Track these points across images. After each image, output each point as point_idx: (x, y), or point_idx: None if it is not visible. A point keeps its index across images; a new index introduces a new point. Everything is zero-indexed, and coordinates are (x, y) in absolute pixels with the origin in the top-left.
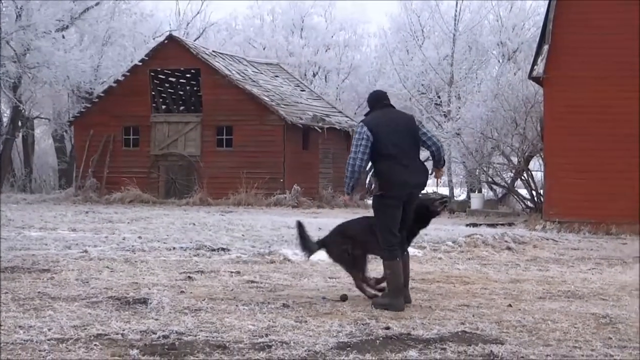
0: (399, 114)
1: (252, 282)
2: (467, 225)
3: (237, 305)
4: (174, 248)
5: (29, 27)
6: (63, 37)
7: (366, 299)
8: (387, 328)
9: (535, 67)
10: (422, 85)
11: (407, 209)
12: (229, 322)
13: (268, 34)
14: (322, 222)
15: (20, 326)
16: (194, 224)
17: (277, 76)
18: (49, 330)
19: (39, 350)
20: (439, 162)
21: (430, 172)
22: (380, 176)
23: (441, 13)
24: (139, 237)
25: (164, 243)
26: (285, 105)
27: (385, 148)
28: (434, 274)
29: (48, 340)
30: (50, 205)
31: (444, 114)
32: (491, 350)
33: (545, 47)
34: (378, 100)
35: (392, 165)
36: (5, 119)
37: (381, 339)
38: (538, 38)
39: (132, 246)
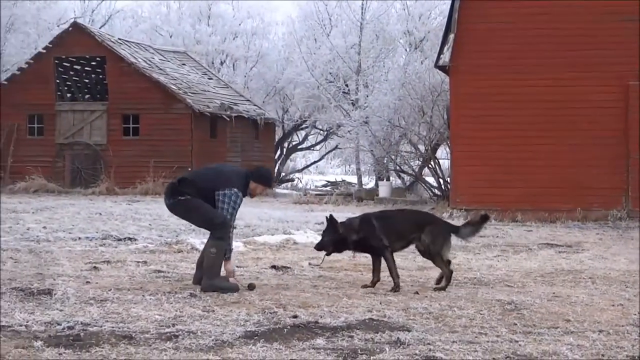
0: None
1: (159, 271)
2: None
3: (143, 295)
4: (79, 238)
5: None
6: None
7: (274, 287)
8: (295, 316)
9: (442, 56)
10: (330, 73)
11: None
12: (136, 313)
13: (175, 21)
14: None
15: None
16: (100, 214)
17: (184, 64)
18: None
19: None
20: None
21: None
22: None
23: (348, 1)
24: (44, 227)
25: (70, 233)
26: (192, 93)
27: None
28: (342, 262)
29: None
30: None
31: (352, 103)
32: (398, 337)
33: (451, 36)
34: None
35: None
36: None
37: (289, 327)
38: (444, 27)
39: (37, 236)
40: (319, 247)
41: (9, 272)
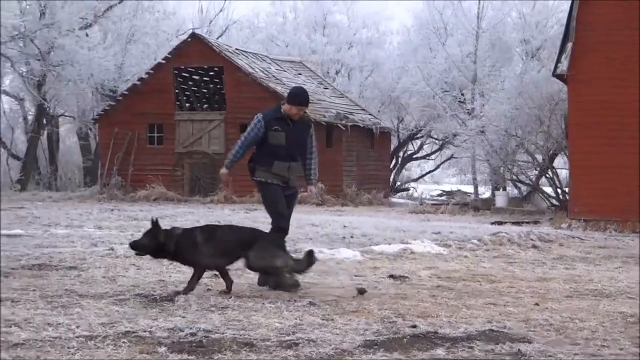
0: None
1: None
2: (492, 223)
3: (263, 303)
4: None
5: (53, 25)
6: (87, 35)
7: (392, 297)
8: (414, 326)
9: (559, 64)
10: (446, 82)
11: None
12: (256, 320)
13: (290, 31)
14: (347, 219)
15: (48, 323)
16: (219, 222)
17: (300, 74)
18: (77, 327)
19: (68, 347)
20: None
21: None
22: None
23: (464, 10)
24: None
25: None
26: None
27: None
28: (460, 272)
29: (76, 337)
30: (75, 203)
31: (468, 112)
32: (519, 349)
33: (569, 45)
34: None
35: None
36: (30, 117)
37: (408, 337)
38: (562, 35)
39: None
40: (132, 245)
41: (132, 279)
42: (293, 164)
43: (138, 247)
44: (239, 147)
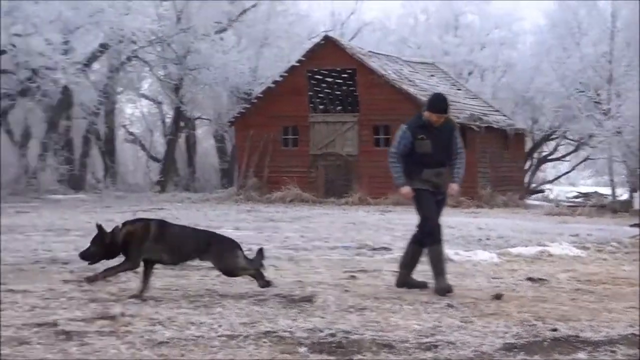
0: None
1: None
2: (631, 225)
3: (401, 305)
4: (336, 247)
5: (189, 30)
6: (221, 39)
7: (531, 300)
8: (554, 330)
9: None
10: (581, 83)
11: None
12: (394, 322)
13: (422, 33)
14: (483, 221)
15: (191, 322)
16: (354, 223)
17: (432, 75)
18: (219, 326)
19: (210, 347)
20: None
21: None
22: None
23: (598, 10)
24: (302, 236)
25: (326, 242)
26: None
27: None
28: (600, 275)
29: (218, 336)
30: (213, 204)
31: (604, 112)
32: None
33: None
34: None
35: None
36: (168, 120)
37: (549, 340)
38: None
39: (295, 245)
40: (82, 256)
41: (270, 279)
42: (442, 170)
43: (88, 257)
44: (393, 162)
